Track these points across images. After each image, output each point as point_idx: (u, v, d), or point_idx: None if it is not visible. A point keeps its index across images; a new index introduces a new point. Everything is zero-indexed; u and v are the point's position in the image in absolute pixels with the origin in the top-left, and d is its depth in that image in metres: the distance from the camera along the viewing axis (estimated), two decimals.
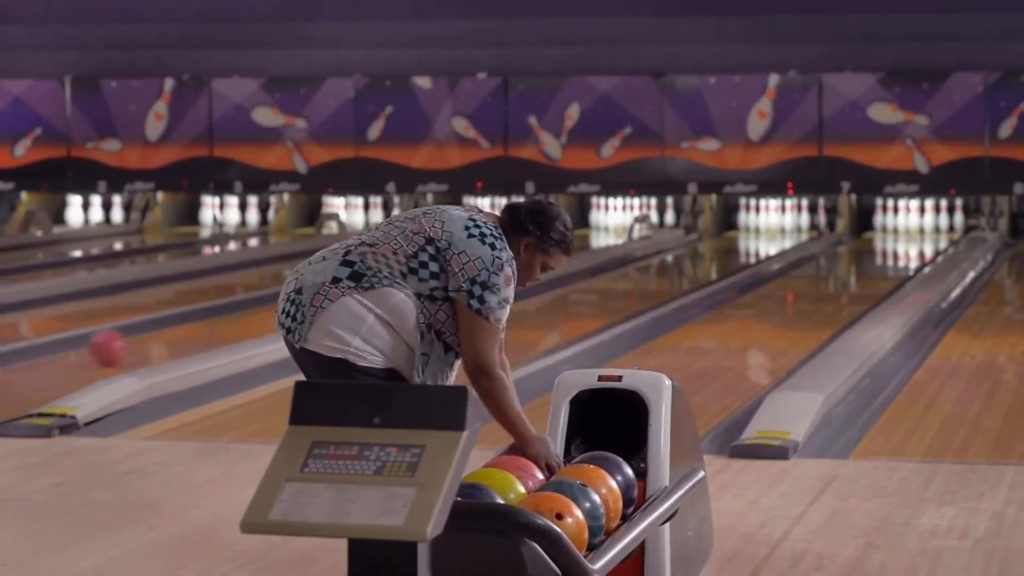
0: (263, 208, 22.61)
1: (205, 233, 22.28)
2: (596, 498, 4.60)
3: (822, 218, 21.18)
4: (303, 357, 4.86)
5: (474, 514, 4.28)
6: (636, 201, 21.72)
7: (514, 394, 4.90)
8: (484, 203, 21.11)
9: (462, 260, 4.79)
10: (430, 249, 4.83)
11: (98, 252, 19.93)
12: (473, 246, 4.82)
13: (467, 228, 4.85)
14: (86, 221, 22.97)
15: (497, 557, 4.27)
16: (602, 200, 21.78)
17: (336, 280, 4.82)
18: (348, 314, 4.78)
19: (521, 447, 4.89)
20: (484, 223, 4.88)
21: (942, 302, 13.79)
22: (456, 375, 4.97)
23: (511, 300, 4.88)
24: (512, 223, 4.95)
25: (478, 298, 4.78)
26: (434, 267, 4.82)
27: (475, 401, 3.89)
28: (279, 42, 22.03)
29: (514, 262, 4.88)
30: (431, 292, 4.82)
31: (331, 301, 4.80)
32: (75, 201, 22.97)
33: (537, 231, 4.94)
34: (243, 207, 22.62)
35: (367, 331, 4.77)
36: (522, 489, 4.62)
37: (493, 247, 4.83)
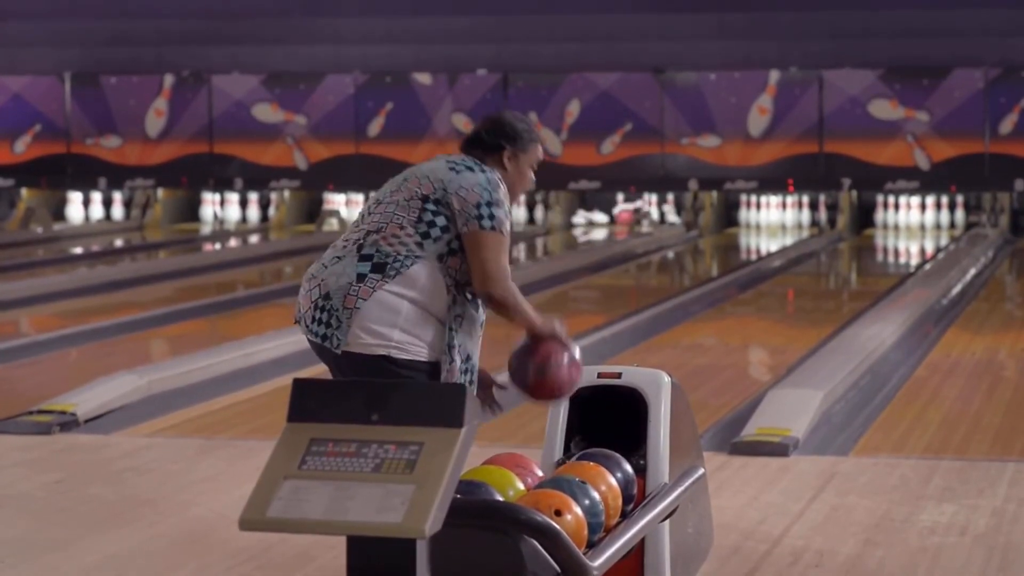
0: (263, 205, 22.60)
1: (205, 230, 22.27)
2: (595, 495, 4.59)
3: (822, 215, 21.16)
4: (343, 362, 4.78)
5: (473, 511, 4.28)
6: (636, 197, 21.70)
7: (522, 296, 4.93)
8: None
9: (462, 194, 4.85)
10: (430, 206, 4.87)
11: (98, 249, 19.91)
12: (465, 177, 4.89)
13: (452, 168, 4.93)
14: (86, 218, 22.96)
15: (496, 554, 4.27)
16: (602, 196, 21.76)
17: (361, 277, 4.79)
18: (383, 308, 4.76)
19: (533, 333, 4.88)
20: (463, 159, 4.99)
21: (943, 299, 13.79)
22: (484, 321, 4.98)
23: (510, 214, 4.98)
24: (484, 147, 5.06)
25: (488, 216, 4.85)
26: (441, 221, 4.86)
27: (473, 398, 3.88)
28: (279, 38, 22.02)
29: (503, 181, 4.99)
30: (448, 247, 4.84)
31: (363, 300, 4.76)
32: (75, 198, 22.96)
33: (510, 139, 5.09)
34: (243, 204, 22.61)
35: (404, 321, 4.76)
36: (521, 486, 4.61)
37: (482, 171, 4.94)
